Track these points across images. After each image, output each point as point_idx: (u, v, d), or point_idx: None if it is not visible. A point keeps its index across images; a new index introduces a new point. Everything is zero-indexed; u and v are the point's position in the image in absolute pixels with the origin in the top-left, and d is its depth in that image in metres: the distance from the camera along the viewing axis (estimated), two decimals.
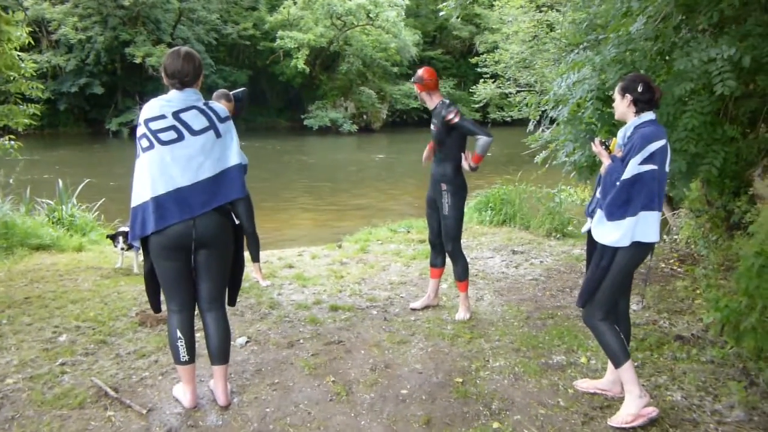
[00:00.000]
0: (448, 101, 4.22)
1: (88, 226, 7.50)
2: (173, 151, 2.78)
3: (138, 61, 26.19)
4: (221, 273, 3.00)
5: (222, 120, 2.90)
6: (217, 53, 30.88)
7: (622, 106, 2.99)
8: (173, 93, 2.85)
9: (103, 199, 8.15)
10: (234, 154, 2.92)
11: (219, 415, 3.03)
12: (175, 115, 2.79)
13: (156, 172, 2.78)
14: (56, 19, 25.68)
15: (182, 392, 3.11)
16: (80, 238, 7.07)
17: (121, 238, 5.58)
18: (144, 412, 3.02)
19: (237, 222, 3.03)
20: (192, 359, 3.03)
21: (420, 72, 4.24)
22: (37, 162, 17.12)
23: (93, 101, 27.74)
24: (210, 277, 2.96)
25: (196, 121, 2.82)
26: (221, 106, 2.92)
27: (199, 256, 2.90)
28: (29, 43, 6.55)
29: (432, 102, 4.26)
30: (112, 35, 26.67)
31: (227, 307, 3.15)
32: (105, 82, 27.33)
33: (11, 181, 7.85)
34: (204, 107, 2.86)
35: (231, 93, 4.88)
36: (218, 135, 2.87)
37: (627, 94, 2.94)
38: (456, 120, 4.08)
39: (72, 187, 8.25)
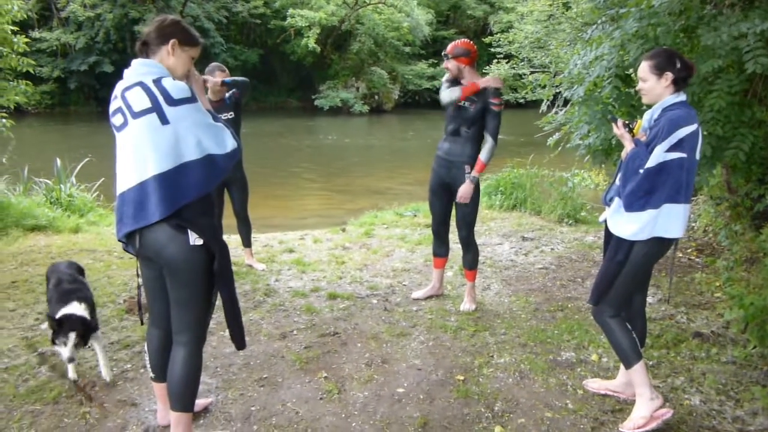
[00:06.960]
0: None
1: (87, 207, 7.30)
2: (123, 139, 2.31)
3: None
4: (184, 303, 2.37)
5: (173, 102, 2.22)
6: (227, 32, 30.44)
7: (658, 87, 2.60)
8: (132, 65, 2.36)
9: (103, 179, 7.94)
10: (191, 147, 2.24)
11: (201, 413, 2.83)
12: (122, 94, 2.29)
13: (119, 163, 2.34)
14: None
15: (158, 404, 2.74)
16: (78, 218, 6.87)
17: None
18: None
19: (200, 242, 2.29)
20: (158, 378, 2.59)
21: (462, 45, 3.89)
22: (39, 141, 16.96)
23: (103, 80, 27.28)
24: (173, 304, 2.40)
25: (137, 101, 2.24)
26: (179, 85, 2.27)
27: (164, 273, 2.38)
28: (27, 17, 6.32)
29: (472, 78, 3.91)
30: (121, 12, 26.32)
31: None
32: (115, 60, 26.91)
33: (4, 160, 7.66)
34: (150, 84, 2.24)
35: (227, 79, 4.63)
36: (164, 121, 2.21)
37: (667, 73, 2.57)
38: (498, 110, 3.85)
39: (72, 166, 8.06)
